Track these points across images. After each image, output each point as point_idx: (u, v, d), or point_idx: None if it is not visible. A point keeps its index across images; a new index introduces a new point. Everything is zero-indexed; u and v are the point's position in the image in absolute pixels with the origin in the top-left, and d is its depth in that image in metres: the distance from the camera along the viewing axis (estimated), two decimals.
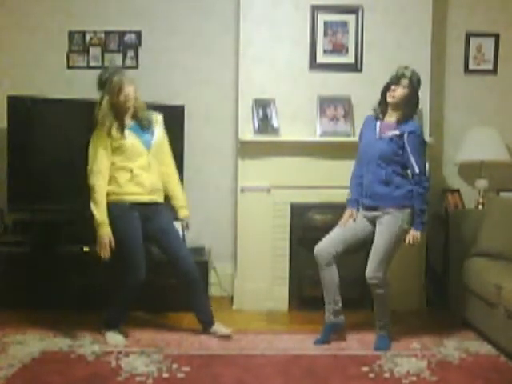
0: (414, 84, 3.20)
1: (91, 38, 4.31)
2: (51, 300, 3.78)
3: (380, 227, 3.22)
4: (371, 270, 3.19)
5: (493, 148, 4.13)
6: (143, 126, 3.24)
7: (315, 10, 4.02)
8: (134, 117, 3.24)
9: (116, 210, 3.17)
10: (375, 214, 3.24)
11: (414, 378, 2.85)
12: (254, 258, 4.03)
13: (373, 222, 3.27)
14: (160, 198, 3.31)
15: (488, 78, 4.38)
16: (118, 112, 3.17)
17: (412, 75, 3.20)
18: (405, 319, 3.83)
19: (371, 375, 2.89)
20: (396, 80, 3.20)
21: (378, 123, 3.28)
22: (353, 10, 4.03)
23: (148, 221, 3.25)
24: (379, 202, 3.22)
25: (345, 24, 4.04)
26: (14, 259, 3.86)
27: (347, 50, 4.05)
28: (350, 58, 4.05)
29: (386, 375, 2.89)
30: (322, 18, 4.03)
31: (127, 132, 3.18)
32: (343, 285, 3.79)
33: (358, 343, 3.33)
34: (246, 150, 3.97)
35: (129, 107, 3.19)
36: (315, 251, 3.28)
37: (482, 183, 4.17)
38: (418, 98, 3.24)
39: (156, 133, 3.28)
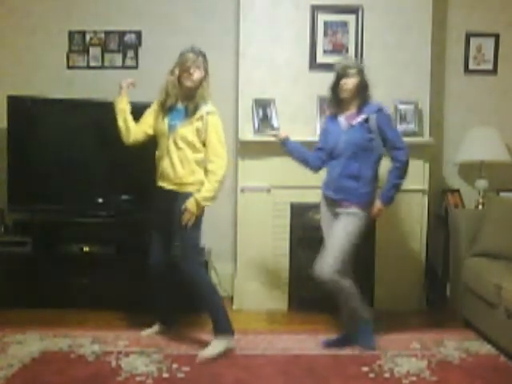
0: (361, 68, 3.20)
1: (91, 38, 4.31)
2: (51, 300, 3.78)
3: (339, 224, 3.15)
4: (323, 268, 3.09)
5: (493, 148, 4.13)
6: (187, 112, 3.11)
7: (315, 9, 4.03)
8: (189, 100, 3.11)
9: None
10: (338, 210, 3.17)
11: (414, 378, 2.85)
12: (254, 258, 4.03)
13: (335, 217, 3.21)
14: (173, 186, 3.14)
15: (488, 77, 4.38)
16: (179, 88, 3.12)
17: (355, 62, 3.24)
18: (405, 319, 3.83)
19: (371, 375, 2.89)
20: (344, 73, 3.16)
21: (341, 118, 3.24)
22: (353, 10, 4.03)
23: (168, 207, 3.15)
24: (344, 196, 3.15)
25: (345, 24, 4.04)
26: (14, 259, 3.86)
27: (347, 50, 4.05)
28: None
29: (386, 375, 2.89)
30: (321, 18, 4.03)
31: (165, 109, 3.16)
32: None
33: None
34: (246, 150, 3.97)
35: (188, 87, 3.09)
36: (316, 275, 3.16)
37: (482, 183, 4.17)
38: (367, 81, 3.22)
39: (189, 123, 3.09)
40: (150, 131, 3.26)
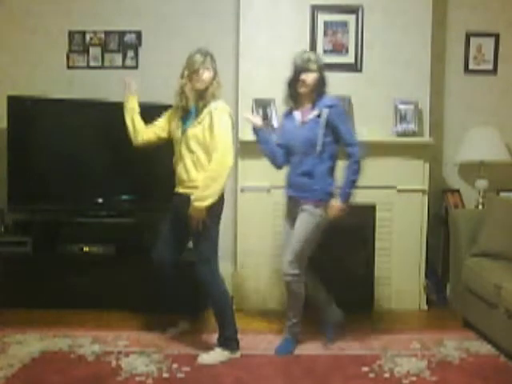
0: (322, 64, 3.18)
1: (91, 38, 4.31)
2: (51, 300, 3.78)
3: (297, 221, 3.15)
4: (287, 265, 3.12)
5: (493, 148, 4.13)
6: (196, 112, 3.09)
7: (315, 10, 4.02)
8: (200, 100, 3.10)
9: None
10: (296, 209, 3.17)
11: (414, 378, 2.85)
12: (254, 257, 4.03)
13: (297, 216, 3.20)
14: (186, 190, 3.09)
15: (488, 77, 4.38)
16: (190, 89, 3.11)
17: (316, 57, 3.20)
18: (405, 319, 3.83)
19: (371, 375, 2.89)
20: (305, 67, 3.11)
21: (297, 113, 3.21)
22: (353, 10, 4.02)
23: (184, 211, 3.09)
24: (299, 193, 3.14)
25: (345, 24, 4.04)
26: (14, 259, 3.86)
27: (347, 50, 4.05)
28: (350, 58, 4.05)
29: (386, 375, 2.89)
30: (322, 17, 4.03)
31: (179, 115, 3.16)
32: (343, 285, 3.81)
33: (358, 343, 3.33)
34: (246, 150, 3.97)
35: (199, 89, 3.08)
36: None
37: (481, 183, 4.17)
38: (325, 77, 3.20)
39: (198, 122, 3.05)
40: (164, 134, 3.24)
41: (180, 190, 3.15)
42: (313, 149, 3.09)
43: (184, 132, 3.09)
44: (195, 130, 3.04)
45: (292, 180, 3.20)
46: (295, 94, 3.19)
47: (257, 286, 4.04)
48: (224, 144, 2.98)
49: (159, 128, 3.25)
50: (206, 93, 3.07)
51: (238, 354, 3.10)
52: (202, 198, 2.95)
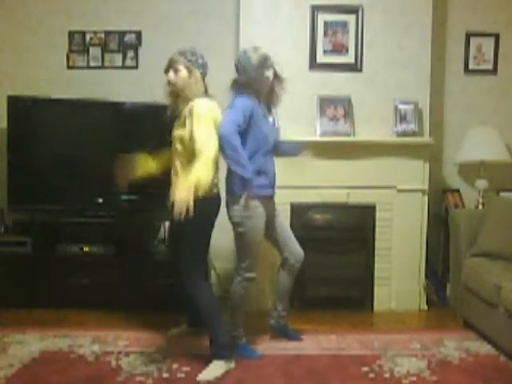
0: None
1: (91, 38, 4.31)
2: (51, 300, 3.78)
3: (279, 216, 3.26)
4: (301, 251, 3.25)
5: (493, 148, 4.13)
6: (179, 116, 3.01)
7: (315, 10, 4.02)
8: (181, 104, 3.02)
9: None
10: (272, 206, 3.20)
11: (414, 378, 2.85)
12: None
13: (272, 213, 3.21)
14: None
15: (488, 77, 4.38)
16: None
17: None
18: (405, 319, 3.83)
19: (371, 375, 2.89)
20: (268, 63, 3.09)
21: (262, 109, 3.15)
22: (353, 10, 4.02)
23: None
24: (274, 191, 3.21)
25: (345, 24, 4.04)
26: (14, 259, 3.86)
27: (347, 50, 4.05)
28: (350, 58, 4.05)
29: (386, 375, 2.89)
30: (322, 17, 4.03)
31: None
32: (343, 285, 3.81)
33: (357, 343, 3.33)
34: None
35: (172, 89, 3.04)
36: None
37: (481, 183, 4.17)
38: None
39: (181, 123, 2.97)
40: None
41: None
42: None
43: (172, 137, 3.02)
44: (179, 132, 2.95)
45: (273, 179, 3.17)
46: (257, 91, 3.11)
47: (257, 285, 4.03)
48: (202, 146, 2.79)
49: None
50: (183, 93, 3.00)
51: (232, 364, 2.93)
52: (187, 188, 2.68)
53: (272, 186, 3.17)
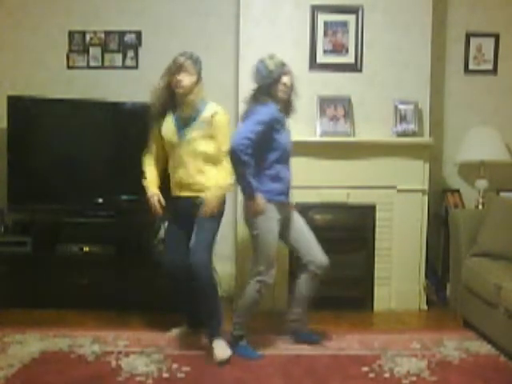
0: None
1: (91, 38, 4.31)
2: (51, 300, 3.78)
3: (299, 220, 3.27)
4: (325, 258, 3.20)
5: (493, 148, 4.13)
6: (190, 119, 3.11)
7: (315, 10, 4.02)
8: (186, 107, 3.11)
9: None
10: (288, 211, 3.23)
11: (414, 378, 2.85)
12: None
13: (287, 219, 3.23)
14: (193, 193, 3.13)
15: (488, 77, 4.38)
16: (173, 94, 3.12)
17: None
18: (405, 319, 3.83)
19: (371, 375, 2.89)
20: (285, 69, 3.15)
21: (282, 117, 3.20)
22: (353, 10, 4.02)
23: (189, 213, 3.14)
24: (288, 198, 3.24)
25: (345, 24, 4.04)
26: (14, 259, 3.86)
27: (347, 50, 4.05)
28: (350, 58, 4.05)
29: (386, 375, 2.89)
30: (322, 18, 4.03)
31: (169, 118, 3.15)
32: (343, 285, 3.81)
33: (357, 343, 3.33)
34: None
35: (179, 94, 3.09)
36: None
37: (481, 183, 4.17)
38: None
39: (195, 128, 3.10)
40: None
41: (184, 193, 3.15)
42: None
43: (182, 138, 3.10)
44: (199, 133, 3.09)
45: (288, 186, 3.21)
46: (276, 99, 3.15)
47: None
48: (229, 147, 2.99)
49: (160, 149, 3.25)
50: (189, 100, 3.08)
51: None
52: (221, 188, 3.07)
53: (287, 192, 3.21)
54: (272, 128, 3.04)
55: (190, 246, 3.06)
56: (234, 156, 2.94)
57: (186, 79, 3.06)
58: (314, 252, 3.21)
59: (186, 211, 3.13)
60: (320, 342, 3.30)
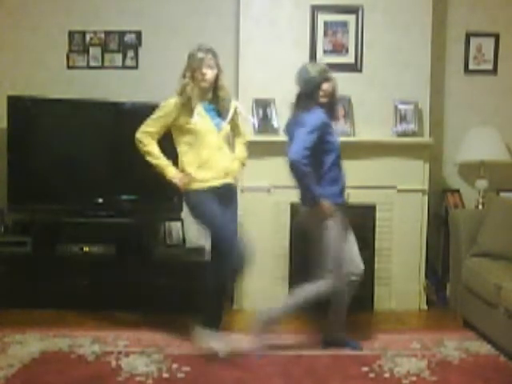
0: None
1: (91, 38, 4.31)
2: (51, 300, 3.78)
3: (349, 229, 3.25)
4: (360, 264, 3.21)
5: (493, 148, 4.13)
6: (220, 112, 3.20)
7: (315, 10, 4.02)
8: (214, 100, 3.20)
9: (194, 196, 3.15)
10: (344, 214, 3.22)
11: (414, 378, 2.85)
12: (254, 257, 4.02)
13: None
14: (230, 179, 3.20)
15: (488, 77, 4.38)
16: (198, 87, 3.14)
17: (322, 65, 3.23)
18: (405, 319, 3.83)
19: (371, 375, 2.89)
20: (327, 76, 3.13)
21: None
22: (353, 10, 4.03)
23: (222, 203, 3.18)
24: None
25: (345, 24, 4.04)
26: (14, 259, 3.86)
27: (347, 50, 4.05)
28: (350, 58, 4.05)
29: (386, 375, 2.89)
30: (322, 17, 4.03)
31: (199, 109, 3.14)
32: None
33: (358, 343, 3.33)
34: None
35: (204, 87, 3.13)
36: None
37: (481, 183, 4.17)
38: None
39: (228, 121, 3.23)
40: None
41: (227, 180, 3.16)
42: None
43: (219, 128, 3.15)
44: (228, 128, 3.22)
45: (343, 186, 3.21)
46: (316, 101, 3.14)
47: (257, 285, 4.04)
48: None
49: (164, 128, 3.21)
50: (216, 91, 3.16)
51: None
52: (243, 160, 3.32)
53: (343, 193, 3.22)
54: (324, 132, 3.07)
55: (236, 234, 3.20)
56: (296, 169, 3.01)
57: (209, 72, 3.10)
58: (356, 258, 3.22)
59: (225, 197, 3.15)
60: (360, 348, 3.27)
